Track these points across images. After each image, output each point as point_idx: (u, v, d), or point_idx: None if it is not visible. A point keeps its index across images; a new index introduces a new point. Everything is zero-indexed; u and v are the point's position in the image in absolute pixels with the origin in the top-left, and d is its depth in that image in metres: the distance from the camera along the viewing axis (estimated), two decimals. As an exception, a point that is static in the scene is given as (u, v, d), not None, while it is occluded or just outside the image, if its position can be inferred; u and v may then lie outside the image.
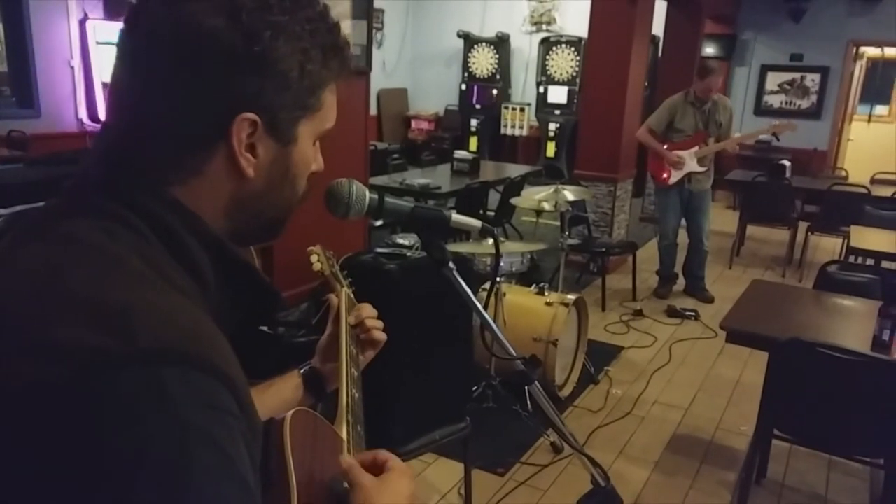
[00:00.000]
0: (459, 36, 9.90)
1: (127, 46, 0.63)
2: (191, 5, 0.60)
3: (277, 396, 1.00)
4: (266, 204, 0.69)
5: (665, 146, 4.92)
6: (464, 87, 10.04)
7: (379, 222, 4.72)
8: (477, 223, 1.11)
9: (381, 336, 1.07)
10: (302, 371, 1.06)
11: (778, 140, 5.57)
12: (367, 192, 1.01)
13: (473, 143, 9.87)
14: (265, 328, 2.62)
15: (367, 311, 1.08)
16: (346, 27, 3.32)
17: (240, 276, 0.67)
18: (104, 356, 0.49)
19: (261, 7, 0.62)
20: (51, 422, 0.48)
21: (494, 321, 3.28)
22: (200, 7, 0.60)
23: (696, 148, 4.87)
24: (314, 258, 1.13)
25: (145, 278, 0.57)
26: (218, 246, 0.65)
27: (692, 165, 4.90)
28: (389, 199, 1.03)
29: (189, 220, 0.63)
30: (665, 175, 4.96)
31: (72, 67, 5.71)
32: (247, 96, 0.62)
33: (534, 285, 3.66)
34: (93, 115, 5.66)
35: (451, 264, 1.06)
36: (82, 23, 5.68)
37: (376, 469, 0.77)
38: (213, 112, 0.62)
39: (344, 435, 0.83)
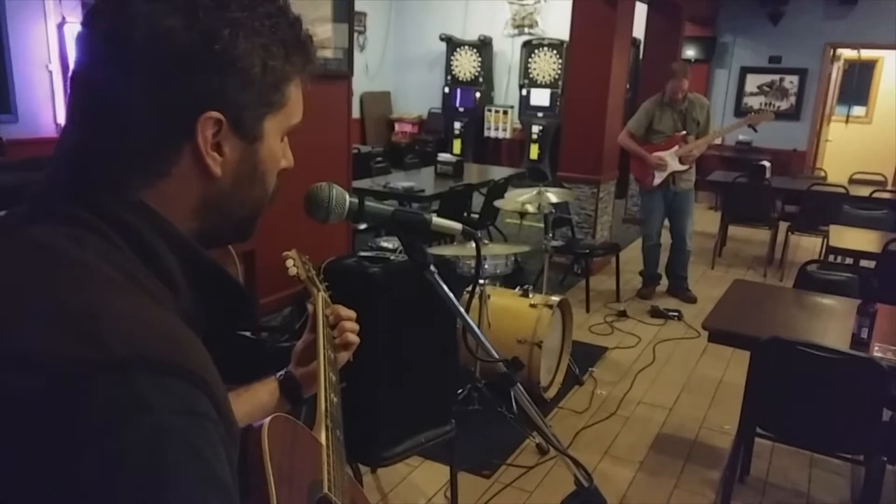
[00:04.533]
0: (442, 39, 9.91)
1: (85, 49, 0.62)
2: (147, 6, 0.59)
3: (253, 400, 0.99)
4: (236, 203, 0.68)
5: (646, 149, 4.97)
6: (447, 90, 10.05)
7: (362, 226, 4.71)
8: (457, 226, 1.11)
9: (355, 339, 1.07)
10: (279, 376, 1.05)
11: (756, 131, 5.61)
12: (347, 196, 1.00)
13: (457, 145, 9.88)
14: (248, 333, 2.60)
15: (344, 311, 1.07)
16: (327, 30, 3.31)
17: (211, 280, 0.66)
18: (77, 366, 0.49)
19: (218, 5, 0.61)
20: (27, 434, 0.47)
21: (479, 324, 3.28)
22: (157, 7, 0.59)
23: (677, 147, 4.92)
24: (289, 262, 1.12)
25: (116, 284, 0.56)
26: (187, 249, 0.64)
27: (674, 165, 4.94)
28: (370, 203, 1.03)
29: (157, 224, 0.62)
30: (649, 178, 5.00)
31: (50, 72, 5.65)
32: (209, 95, 0.62)
33: (518, 287, 3.67)
34: (72, 120, 5.61)
35: (432, 267, 1.06)
36: (60, 26, 5.62)
37: None
38: (176, 112, 0.61)
39: (323, 440, 0.83)
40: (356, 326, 1.08)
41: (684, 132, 4.93)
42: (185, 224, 0.65)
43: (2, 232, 0.60)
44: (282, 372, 1.06)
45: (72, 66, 0.64)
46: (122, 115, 0.61)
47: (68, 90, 0.64)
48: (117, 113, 0.61)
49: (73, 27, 5.50)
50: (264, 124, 0.67)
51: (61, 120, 5.67)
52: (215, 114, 0.62)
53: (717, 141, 6.03)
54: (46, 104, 5.64)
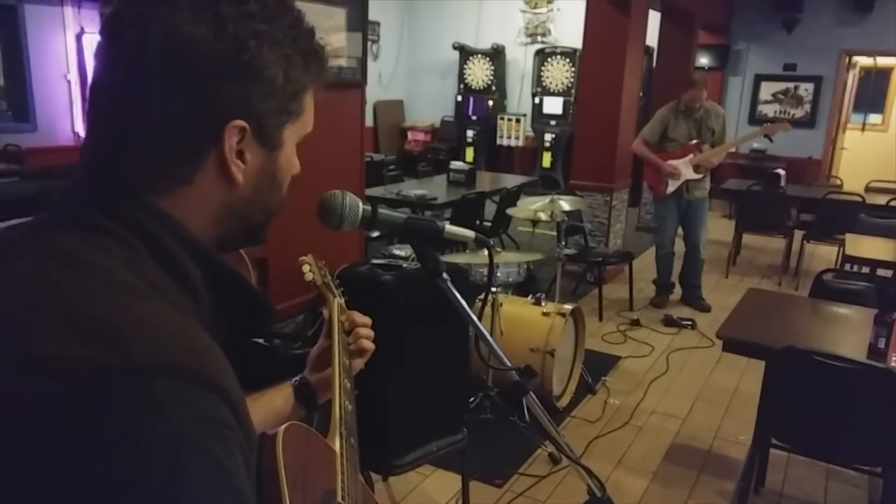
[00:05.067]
0: (455, 48, 9.95)
1: (110, 55, 0.63)
2: (176, 15, 0.60)
3: (268, 407, 0.99)
4: (254, 209, 0.70)
5: (659, 157, 4.95)
6: (460, 98, 10.08)
7: (375, 233, 4.72)
8: (470, 234, 1.11)
9: (370, 345, 1.08)
10: (294, 382, 1.06)
11: (772, 141, 5.57)
12: (361, 204, 1.01)
13: (469, 153, 9.89)
14: (261, 340, 2.61)
15: (359, 318, 1.08)
16: (341, 39, 3.33)
17: (231, 288, 0.67)
18: (97, 370, 0.49)
19: (245, 16, 0.62)
20: (44, 436, 0.47)
21: (491, 332, 3.28)
22: (185, 17, 0.60)
23: (691, 156, 4.89)
24: (306, 268, 1.13)
25: (137, 291, 0.57)
26: (207, 257, 0.65)
27: (688, 174, 4.91)
28: (383, 211, 1.03)
29: (177, 232, 0.63)
30: (662, 186, 4.98)
31: (68, 81, 5.73)
32: (235, 104, 0.63)
33: (530, 295, 3.66)
34: (89, 129, 5.71)
35: (445, 275, 1.06)
36: (79, 37, 5.71)
37: None
38: (204, 121, 0.62)
39: (337, 448, 0.83)
40: (371, 333, 1.08)
41: (698, 140, 4.91)
42: (203, 230, 0.66)
43: (26, 238, 0.61)
44: (297, 378, 1.06)
45: (91, 75, 0.65)
46: (147, 123, 0.61)
47: (88, 99, 0.65)
48: (141, 122, 0.61)
49: (92, 37, 5.58)
50: (284, 133, 0.69)
51: (79, 129, 5.75)
52: (240, 122, 0.63)
53: (732, 149, 6.02)
54: (64, 113, 5.73)
